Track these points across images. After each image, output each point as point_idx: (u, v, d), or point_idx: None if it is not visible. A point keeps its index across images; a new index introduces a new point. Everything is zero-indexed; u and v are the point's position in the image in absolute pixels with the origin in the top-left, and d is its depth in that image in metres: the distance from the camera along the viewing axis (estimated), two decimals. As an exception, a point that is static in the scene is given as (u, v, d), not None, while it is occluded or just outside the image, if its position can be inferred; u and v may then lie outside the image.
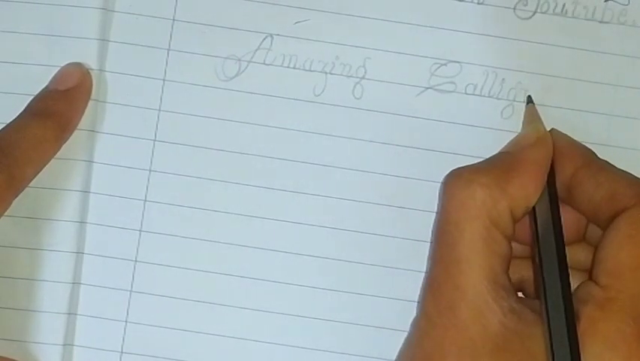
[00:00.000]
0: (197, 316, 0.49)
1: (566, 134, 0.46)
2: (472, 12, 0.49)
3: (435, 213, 0.46)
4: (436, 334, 0.42)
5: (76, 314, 0.49)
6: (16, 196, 0.46)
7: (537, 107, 0.48)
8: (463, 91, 0.49)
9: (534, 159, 0.44)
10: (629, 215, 0.42)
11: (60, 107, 0.48)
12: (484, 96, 0.49)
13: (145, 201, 0.49)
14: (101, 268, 0.49)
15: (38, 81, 0.49)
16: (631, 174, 0.44)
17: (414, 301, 0.46)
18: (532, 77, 0.49)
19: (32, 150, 0.47)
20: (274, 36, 0.49)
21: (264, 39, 0.49)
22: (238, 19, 0.49)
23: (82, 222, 0.49)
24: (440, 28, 0.49)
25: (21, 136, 0.47)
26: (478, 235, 0.42)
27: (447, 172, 0.44)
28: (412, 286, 0.47)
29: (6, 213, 0.45)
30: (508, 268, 0.43)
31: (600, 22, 0.49)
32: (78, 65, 0.49)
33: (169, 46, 0.49)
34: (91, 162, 0.49)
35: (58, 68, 0.49)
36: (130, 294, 0.49)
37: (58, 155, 0.48)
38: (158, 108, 0.49)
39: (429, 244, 0.46)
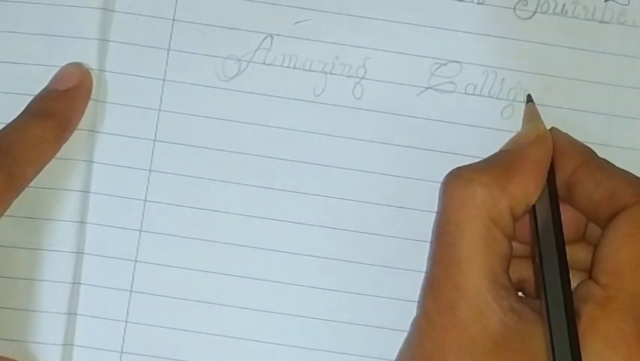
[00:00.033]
0: (197, 316, 0.49)
1: (565, 133, 0.46)
2: (472, 12, 0.49)
3: (435, 214, 0.46)
4: (436, 333, 0.42)
5: (76, 314, 0.49)
6: (16, 196, 0.46)
7: (537, 107, 0.48)
8: (463, 91, 0.49)
9: (534, 157, 0.44)
10: (629, 214, 0.42)
11: (60, 107, 0.48)
12: (484, 96, 0.49)
13: (145, 201, 0.49)
14: (101, 268, 0.49)
15: (38, 81, 0.49)
16: (630, 173, 0.44)
17: (414, 301, 0.46)
18: (532, 77, 0.49)
19: (32, 150, 0.47)
20: (274, 36, 0.49)
21: (264, 39, 0.49)
22: (238, 19, 0.49)
23: (82, 222, 0.49)
24: (440, 28, 0.49)
25: (21, 136, 0.47)
26: (479, 235, 0.42)
27: (447, 172, 0.44)
28: (412, 286, 0.47)
29: (6, 213, 0.46)
30: (508, 268, 0.43)
31: (600, 22, 0.49)
32: (78, 65, 0.49)
33: (169, 46, 0.49)
34: (91, 162, 0.49)
35: (58, 68, 0.49)
36: (130, 294, 0.49)
37: (58, 155, 0.48)
38: (158, 108, 0.49)
39: (429, 244, 0.46)
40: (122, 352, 0.49)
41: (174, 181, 0.49)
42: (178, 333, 0.49)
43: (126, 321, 0.49)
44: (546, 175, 0.44)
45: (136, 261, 0.49)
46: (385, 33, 0.49)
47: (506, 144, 0.46)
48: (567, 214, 0.44)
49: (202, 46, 0.49)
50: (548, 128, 0.46)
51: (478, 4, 0.49)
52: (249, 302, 0.49)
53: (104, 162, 0.49)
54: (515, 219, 0.43)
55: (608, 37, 0.49)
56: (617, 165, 0.45)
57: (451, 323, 0.41)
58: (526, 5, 0.49)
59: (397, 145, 0.49)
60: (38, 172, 0.47)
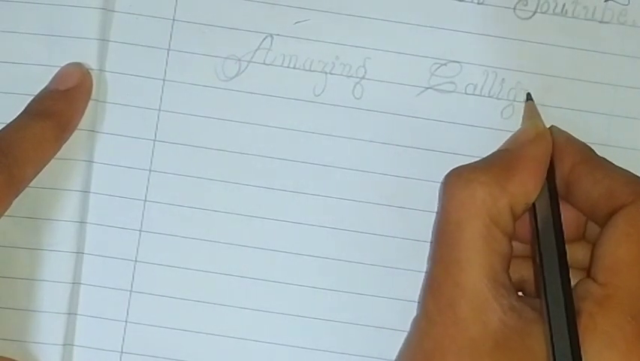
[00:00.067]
0: (197, 316, 0.49)
1: (565, 131, 0.46)
2: (472, 12, 0.49)
3: (435, 214, 0.46)
4: (437, 332, 0.42)
5: (76, 314, 0.49)
6: (16, 196, 0.46)
7: (537, 106, 0.48)
8: (463, 91, 0.49)
9: (533, 155, 0.44)
10: (627, 212, 0.42)
11: (60, 107, 0.48)
12: (484, 96, 0.49)
13: (145, 201, 0.49)
14: (101, 268, 0.49)
15: (38, 81, 0.49)
16: (629, 172, 0.44)
17: (414, 301, 0.47)
18: (532, 77, 0.49)
19: (32, 150, 0.47)
20: (274, 36, 0.49)
21: (264, 39, 0.49)
22: (238, 19, 0.49)
23: (82, 222, 0.49)
24: (440, 28, 0.49)
25: (21, 136, 0.47)
26: (479, 234, 0.42)
27: (447, 172, 0.44)
28: (412, 286, 0.47)
29: (6, 213, 0.46)
30: (508, 267, 0.43)
31: (600, 22, 0.49)
32: (78, 65, 0.49)
33: (169, 46, 0.49)
34: (91, 162, 0.49)
35: (58, 68, 0.49)
36: (130, 294, 0.49)
37: (58, 155, 0.48)
38: (158, 108, 0.49)
39: (429, 244, 0.46)
40: (122, 352, 0.49)
41: (174, 181, 0.49)
42: (178, 333, 0.49)
43: (126, 321, 0.49)
44: (545, 173, 0.44)
45: (136, 261, 0.49)
46: (385, 33, 0.49)
47: (505, 142, 0.46)
48: (567, 213, 0.45)
49: (202, 46, 0.49)
50: (548, 127, 0.46)
51: (478, 4, 0.49)
52: (249, 302, 0.49)
53: (104, 162, 0.49)
54: (515, 218, 0.43)
55: (608, 37, 0.49)
56: (617, 164, 0.45)
57: (451, 322, 0.41)
58: (526, 5, 0.49)
59: (397, 145, 0.49)
60: (38, 172, 0.48)
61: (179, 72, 0.49)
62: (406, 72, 0.49)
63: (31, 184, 0.47)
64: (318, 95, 0.49)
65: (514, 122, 0.48)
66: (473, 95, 0.49)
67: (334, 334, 0.49)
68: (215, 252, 0.49)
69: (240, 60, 0.49)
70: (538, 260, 0.43)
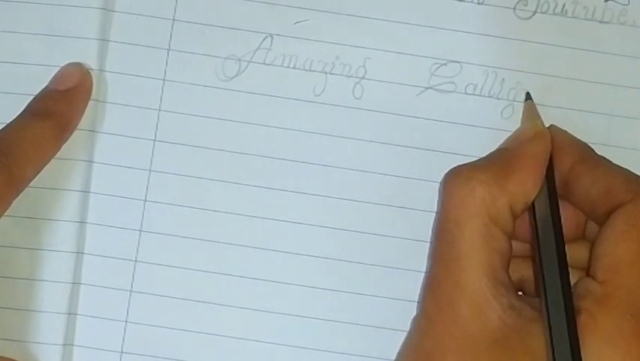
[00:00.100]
0: (197, 316, 0.49)
1: (564, 130, 0.47)
2: (472, 12, 0.49)
3: (435, 213, 0.47)
4: (436, 331, 0.42)
5: (76, 314, 0.49)
6: (16, 196, 0.46)
7: (537, 107, 0.48)
8: (463, 91, 0.49)
9: (532, 153, 0.44)
10: (625, 211, 0.42)
11: (60, 107, 0.48)
12: (484, 96, 0.49)
13: (145, 201, 0.50)
14: (101, 268, 0.49)
15: (38, 81, 0.49)
16: (628, 170, 0.44)
17: (414, 301, 0.47)
18: (532, 77, 0.49)
19: (32, 149, 0.47)
20: (274, 36, 0.50)
21: (264, 39, 0.50)
22: (238, 19, 0.50)
23: (82, 222, 0.49)
24: (440, 28, 0.50)
25: (21, 136, 0.47)
26: (478, 233, 0.42)
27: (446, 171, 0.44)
28: (412, 286, 0.47)
29: (6, 213, 0.46)
30: (508, 266, 0.43)
31: (600, 22, 0.49)
32: (78, 65, 0.49)
33: (169, 46, 0.50)
34: (91, 162, 0.50)
35: (58, 68, 0.49)
36: (130, 294, 0.49)
37: (58, 155, 0.48)
38: (158, 108, 0.50)
39: (429, 244, 0.46)
40: (122, 352, 0.49)
41: (174, 181, 0.50)
42: (178, 333, 0.49)
43: (126, 321, 0.49)
44: (544, 172, 0.44)
45: (136, 261, 0.49)
46: (385, 33, 0.49)
47: (505, 141, 0.47)
48: (566, 212, 0.45)
49: (202, 46, 0.50)
50: (547, 126, 0.47)
51: (478, 4, 0.49)
52: (249, 302, 0.49)
53: (104, 162, 0.50)
54: (515, 216, 0.43)
55: (608, 37, 0.49)
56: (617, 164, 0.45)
57: (451, 321, 0.42)
58: (526, 5, 0.49)
59: (397, 145, 0.49)
60: (38, 172, 0.48)
61: (179, 72, 0.50)
62: (406, 72, 0.50)
63: (31, 184, 0.47)
64: (318, 95, 0.50)
65: (514, 122, 0.49)
66: (473, 95, 0.49)
67: (334, 334, 0.49)
68: (215, 252, 0.49)
69: (239, 60, 0.50)
70: (537, 259, 0.43)
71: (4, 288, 0.49)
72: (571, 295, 0.41)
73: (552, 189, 0.44)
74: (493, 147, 0.47)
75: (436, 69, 0.50)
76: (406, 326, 0.45)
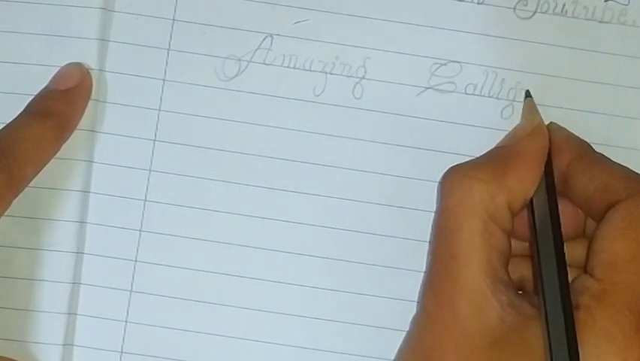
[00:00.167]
0: (197, 316, 0.49)
1: (563, 128, 0.47)
2: (472, 12, 0.50)
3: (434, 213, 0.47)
4: (436, 329, 0.43)
5: (76, 314, 0.50)
6: (16, 196, 0.47)
7: (537, 106, 0.48)
8: (463, 91, 0.50)
9: (530, 150, 0.45)
10: (622, 207, 0.42)
11: (60, 106, 0.49)
12: (484, 96, 0.50)
13: (145, 201, 0.50)
14: (101, 268, 0.50)
15: (38, 81, 0.49)
16: (626, 167, 0.45)
17: (414, 301, 0.47)
18: (532, 77, 0.50)
19: (32, 149, 0.47)
20: (274, 36, 0.50)
21: (264, 39, 0.50)
22: (238, 19, 0.50)
23: (82, 222, 0.50)
24: (440, 28, 0.50)
25: (21, 136, 0.47)
26: (477, 230, 0.42)
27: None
28: (413, 286, 0.47)
29: (6, 213, 0.46)
30: (507, 263, 0.44)
31: (600, 22, 0.50)
32: (78, 65, 0.50)
33: (169, 46, 0.50)
34: (91, 162, 0.50)
35: (58, 68, 0.50)
36: (130, 294, 0.50)
37: (58, 155, 0.49)
38: (158, 108, 0.50)
39: (428, 243, 0.47)
40: (122, 352, 0.49)
41: (174, 181, 0.50)
42: (178, 333, 0.49)
43: (126, 321, 0.50)
44: (543, 168, 0.45)
45: (136, 261, 0.50)
46: (385, 33, 0.50)
47: (503, 139, 0.47)
48: (565, 210, 0.45)
49: (202, 46, 0.50)
50: (547, 124, 0.47)
51: (478, 4, 0.50)
52: (249, 302, 0.49)
53: (104, 162, 0.50)
54: (514, 214, 0.44)
55: (608, 37, 0.50)
56: (615, 163, 0.46)
57: (450, 319, 0.42)
58: (526, 5, 0.50)
59: (397, 145, 0.50)
60: (38, 172, 0.48)
61: (179, 72, 0.50)
62: (406, 72, 0.50)
63: (31, 184, 0.48)
64: (318, 95, 0.50)
65: (514, 122, 0.49)
66: (473, 95, 0.50)
67: (335, 334, 0.49)
68: (216, 252, 0.50)
69: (239, 60, 0.50)
70: (535, 255, 0.43)
71: (4, 288, 0.49)
72: (569, 291, 0.41)
73: (551, 185, 0.44)
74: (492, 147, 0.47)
75: (436, 69, 0.50)
76: (407, 325, 0.45)
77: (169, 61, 0.50)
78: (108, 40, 0.50)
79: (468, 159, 0.46)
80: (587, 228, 0.46)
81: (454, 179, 0.44)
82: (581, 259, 0.44)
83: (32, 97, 0.49)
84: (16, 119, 0.48)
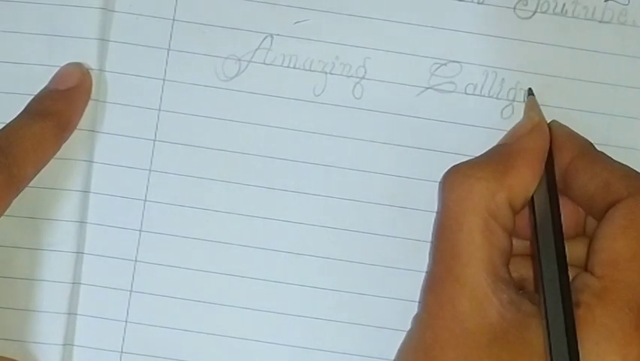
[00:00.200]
0: (197, 316, 0.50)
1: (565, 126, 0.47)
2: (472, 12, 0.50)
3: (435, 213, 0.47)
4: (437, 327, 0.43)
5: (76, 314, 0.50)
6: (17, 196, 0.47)
7: (539, 105, 0.49)
8: (463, 91, 0.50)
9: (530, 147, 0.45)
10: (623, 206, 0.43)
11: (60, 106, 0.49)
12: (484, 96, 0.50)
13: (145, 201, 0.50)
14: (101, 268, 0.50)
15: (38, 81, 0.50)
16: (627, 166, 0.45)
17: (414, 301, 0.47)
18: (532, 77, 0.50)
19: (32, 149, 0.47)
20: (274, 36, 0.50)
21: (264, 39, 0.50)
22: (238, 19, 0.50)
23: (82, 222, 0.50)
24: (440, 28, 0.50)
25: (21, 136, 0.47)
26: (477, 228, 0.43)
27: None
28: (413, 286, 0.47)
29: (6, 213, 0.46)
30: (508, 262, 0.44)
31: (600, 22, 0.50)
32: (78, 64, 0.50)
33: (169, 46, 0.50)
34: (91, 162, 0.50)
35: (59, 68, 0.50)
36: (130, 294, 0.50)
37: (58, 155, 0.49)
38: (158, 108, 0.50)
39: (430, 243, 0.47)
40: (122, 352, 0.50)
41: (174, 181, 0.50)
42: (178, 333, 0.50)
43: (126, 321, 0.50)
44: (543, 165, 0.45)
45: (136, 261, 0.50)
46: (385, 33, 0.50)
47: (504, 137, 0.47)
48: (566, 209, 0.45)
49: (202, 46, 0.50)
50: (549, 122, 0.47)
51: (478, 3, 0.50)
52: (249, 302, 0.50)
53: (104, 162, 0.50)
54: (515, 212, 0.44)
55: (608, 37, 0.50)
56: (616, 162, 0.46)
57: (451, 317, 0.42)
58: (526, 5, 0.50)
59: (398, 145, 0.50)
60: (38, 172, 0.48)
61: (179, 72, 0.50)
62: (406, 72, 0.50)
63: (31, 184, 0.48)
64: (318, 95, 0.50)
65: (513, 122, 0.48)
66: (473, 95, 0.50)
67: (335, 334, 0.49)
68: (216, 252, 0.50)
69: (239, 60, 0.50)
70: (536, 252, 0.43)
71: (4, 288, 0.49)
72: (569, 288, 0.42)
73: (552, 183, 0.44)
74: (493, 147, 0.47)
75: (436, 69, 0.50)
76: (407, 325, 0.45)
77: (169, 61, 0.50)
78: (108, 40, 0.50)
79: (468, 159, 0.46)
80: (587, 226, 0.46)
81: (455, 178, 0.44)
82: (582, 257, 0.45)
83: (32, 97, 0.49)
84: (16, 119, 0.48)
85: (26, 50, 0.50)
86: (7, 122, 0.48)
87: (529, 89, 0.49)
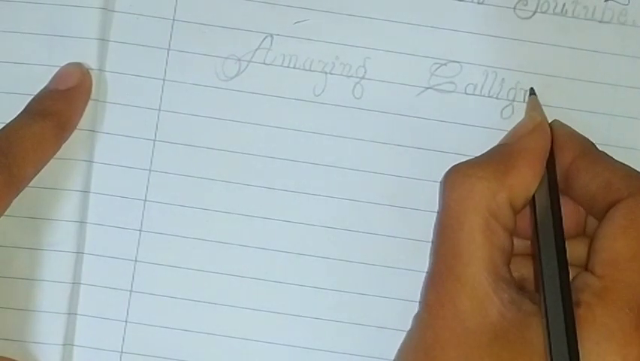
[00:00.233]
0: (197, 316, 0.50)
1: (566, 125, 0.47)
2: (472, 12, 0.50)
3: (436, 213, 0.47)
4: (437, 325, 0.43)
5: (76, 314, 0.50)
6: (16, 196, 0.47)
7: (540, 105, 0.49)
8: (463, 91, 0.50)
9: (531, 147, 0.45)
10: (624, 206, 0.43)
11: (60, 106, 0.49)
12: (484, 96, 0.50)
13: (145, 201, 0.50)
14: (101, 268, 0.50)
15: (38, 81, 0.50)
16: (628, 166, 0.45)
17: (414, 301, 0.47)
18: (532, 77, 0.50)
19: (32, 149, 0.47)
20: (274, 36, 0.50)
21: (264, 39, 0.50)
22: (238, 19, 0.50)
23: (82, 222, 0.50)
24: (440, 28, 0.50)
25: (21, 136, 0.48)
26: (478, 228, 0.43)
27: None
28: (414, 286, 0.47)
29: (6, 213, 0.46)
30: (509, 261, 0.44)
31: (600, 22, 0.50)
32: (78, 64, 0.50)
33: (169, 46, 0.50)
34: (91, 162, 0.50)
35: (59, 68, 0.50)
36: (130, 294, 0.50)
37: (58, 155, 0.49)
38: (158, 108, 0.50)
39: (430, 243, 0.47)
40: (122, 352, 0.50)
41: (174, 181, 0.50)
42: (178, 333, 0.50)
43: (126, 321, 0.50)
44: (544, 165, 0.45)
45: (136, 261, 0.50)
46: (385, 33, 0.50)
47: (505, 136, 0.48)
48: (567, 208, 0.46)
49: (202, 46, 0.50)
50: (551, 121, 0.47)
51: (478, 3, 0.50)
52: (249, 302, 0.50)
53: (104, 162, 0.50)
54: (516, 211, 0.44)
55: (608, 37, 0.50)
56: (616, 162, 0.46)
57: (452, 316, 0.42)
58: (526, 5, 0.50)
59: (398, 145, 0.50)
60: (38, 172, 0.48)
61: (179, 72, 0.50)
62: (406, 72, 0.50)
63: (31, 184, 0.48)
64: (318, 95, 0.50)
65: (514, 123, 0.48)
66: (473, 95, 0.50)
67: (335, 334, 0.50)
68: (216, 252, 0.50)
69: (239, 60, 0.50)
70: (536, 252, 0.43)
71: (4, 288, 0.49)
72: (569, 287, 0.42)
73: (553, 182, 0.45)
74: (493, 147, 0.48)
75: (436, 69, 0.50)
76: (407, 326, 0.45)
77: (169, 61, 0.50)
78: (108, 40, 0.50)
79: (468, 158, 0.46)
80: (587, 226, 0.47)
81: (456, 177, 0.44)
82: (582, 257, 0.45)
83: (32, 97, 0.49)
84: (16, 119, 0.49)
85: (26, 50, 0.50)
86: (7, 122, 0.48)
87: (531, 88, 0.49)
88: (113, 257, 0.50)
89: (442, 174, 0.45)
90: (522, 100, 0.50)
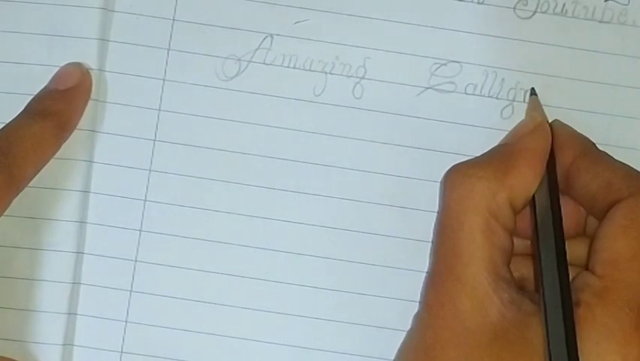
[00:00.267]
0: (197, 316, 0.50)
1: (567, 125, 0.47)
2: (472, 12, 0.50)
3: (436, 213, 0.47)
4: (437, 325, 0.43)
5: (76, 314, 0.50)
6: (16, 196, 0.47)
7: (541, 105, 0.49)
8: (463, 91, 0.50)
9: (532, 147, 0.45)
10: (624, 205, 0.43)
11: (59, 106, 0.49)
12: (484, 96, 0.50)
13: (145, 201, 0.50)
14: (101, 268, 0.50)
15: (38, 81, 0.50)
16: (628, 166, 0.45)
17: (414, 301, 0.47)
18: (532, 77, 0.50)
19: (32, 149, 0.48)
20: (274, 36, 0.50)
21: (264, 39, 0.50)
22: (238, 19, 0.50)
23: (82, 222, 0.50)
24: (440, 28, 0.50)
25: (21, 136, 0.48)
26: (478, 228, 0.43)
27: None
28: (414, 286, 0.48)
29: (6, 213, 0.46)
30: (509, 261, 0.44)
31: (600, 22, 0.50)
32: (78, 64, 0.50)
33: (169, 46, 0.50)
34: (91, 162, 0.50)
35: (58, 68, 0.50)
36: (130, 294, 0.50)
37: (58, 155, 0.49)
38: (158, 108, 0.50)
39: (430, 243, 0.47)
40: (122, 352, 0.50)
41: (174, 181, 0.50)
42: (178, 333, 0.50)
43: (126, 321, 0.50)
44: (544, 165, 0.45)
45: (136, 261, 0.50)
46: (385, 33, 0.50)
47: (505, 136, 0.48)
48: (567, 208, 0.46)
49: (202, 46, 0.50)
50: (551, 121, 0.47)
51: (478, 3, 0.50)
52: (249, 302, 0.50)
53: (104, 162, 0.50)
54: (516, 211, 0.44)
55: (608, 37, 0.50)
56: (616, 161, 0.46)
57: (452, 315, 0.42)
58: (526, 5, 0.50)
59: (398, 145, 0.50)
60: (38, 172, 0.48)
61: (179, 72, 0.50)
62: (406, 72, 0.50)
63: (31, 184, 0.48)
64: (318, 95, 0.50)
65: (514, 122, 0.49)
66: (473, 95, 0.50)
67: (335, 334, 0.50)
68: (216, 252, 0.50)
69: (239, 60, 0.50)
70: (536, 252, 0.43)
71: (4, 288, 0.49)
72: (569, 287, 0.42)
73: (553, 182, 0.45)
74: (493, 147, 0.48)
75: (436, 69, 0.50)
76: (407, 326, 0.45)
77: (169, 61, 0.50)
78: (108, 40, 0.50)
79: (468, 158, 0.47)
80: (588, 226, 0.47)
81: (456, 177, 0.44)
82: (582, 257, 0.45)
83: (32, 97, 0.49)
84: (16, 119, 0.49)
85: (26, 50, 0.50)
86: (7, 122, 0.48)
87: (532, 89, 0.49)
88: (113, 257, 0.50)
89: (442, 174, 0.45)
90: (522, 100, 0.50)
